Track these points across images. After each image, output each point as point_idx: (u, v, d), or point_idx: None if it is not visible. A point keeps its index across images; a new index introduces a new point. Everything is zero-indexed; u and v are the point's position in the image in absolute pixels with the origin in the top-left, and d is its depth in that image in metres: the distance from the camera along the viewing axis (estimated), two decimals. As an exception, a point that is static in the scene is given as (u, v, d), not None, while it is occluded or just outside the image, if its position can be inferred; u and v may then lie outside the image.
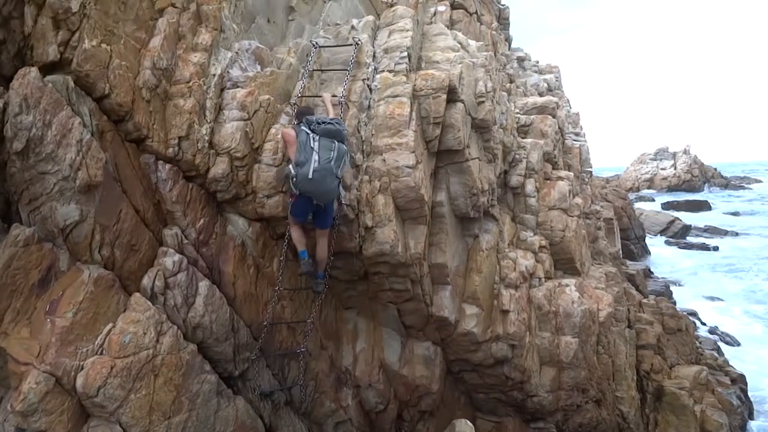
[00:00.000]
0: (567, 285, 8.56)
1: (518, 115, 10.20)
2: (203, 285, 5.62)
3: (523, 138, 9.72)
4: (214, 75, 6.10)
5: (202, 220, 5.85)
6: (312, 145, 5.62)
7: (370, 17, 7.68)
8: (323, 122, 5.79)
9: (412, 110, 6.63)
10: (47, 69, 5.00)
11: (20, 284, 4.69)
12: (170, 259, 5.46)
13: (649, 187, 58.05)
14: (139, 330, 4.98)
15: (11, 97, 4.68)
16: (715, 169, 68.43)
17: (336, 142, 5.68)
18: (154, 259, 5.50)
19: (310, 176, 5.51)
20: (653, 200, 52.04)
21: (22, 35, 5.13)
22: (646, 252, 28.11)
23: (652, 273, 22.46)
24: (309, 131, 5.73)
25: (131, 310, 5.06)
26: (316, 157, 5.56)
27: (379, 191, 6.39)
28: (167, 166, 5.66)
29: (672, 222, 35.91)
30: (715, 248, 31.34)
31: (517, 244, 8.76)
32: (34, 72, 4.76)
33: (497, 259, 8.04)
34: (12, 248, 4.69)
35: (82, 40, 5.08)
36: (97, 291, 4.95)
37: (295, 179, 5.60)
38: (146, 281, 5.31)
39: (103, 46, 5.23)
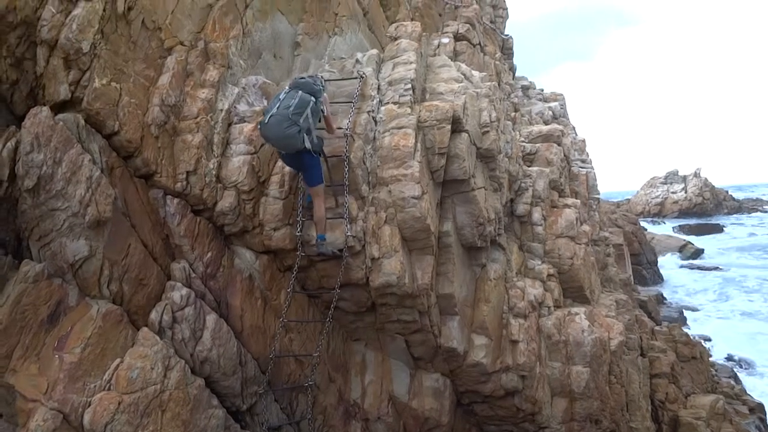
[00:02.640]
0: (577, 313, 8.48)
1: (523, 144, 10.25)
2: (211, 318, 5.63)
3: (528, 166, 9.75)
4: (221, 110, 6.22)
5: (209, 254, 5.90)
6: (280, 96, 5.85)
7: (374, 51, 7.81)
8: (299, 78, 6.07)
9: (416, 141, 6.69)
10: (58, 107, 5.12)
11: (29, 320, 4.71)
12: (178, 293, 5.49)
13: (660, 212, 57.66)
14: (146, 365, 4.98)
15: (23, 135, 4.78)
16: (727, 191, 67.90)
17: (300, 92, 5.81)
18: (162, 293, 5.52)
19: (266, 121, 5.67)
20: (664, 223, 51.73)
21: (34, 75, 5.25)
22: (658, 277, 27.87)
23: (665, 299, 22.23)
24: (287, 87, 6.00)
25: (139, 344, 5.07)
26: (278, 105, 5.73)
27: (385, 222, 6.42)
28: (175, 200, 5.74)
29: (684, 246, 35.63)
30: (728, 270, 31.05)
31: (525, 273, 8.72)
32: (45, 111, 4.87)
33: (505, 289, 8.00)
34: (22, 284, 4.73)
35: (92, 79, 5.20)
36: (105, 326, 4.97)
37: (259, 127, 5.81)
38: (154, 315, 5.33)
39: (113, 84, 5.36)
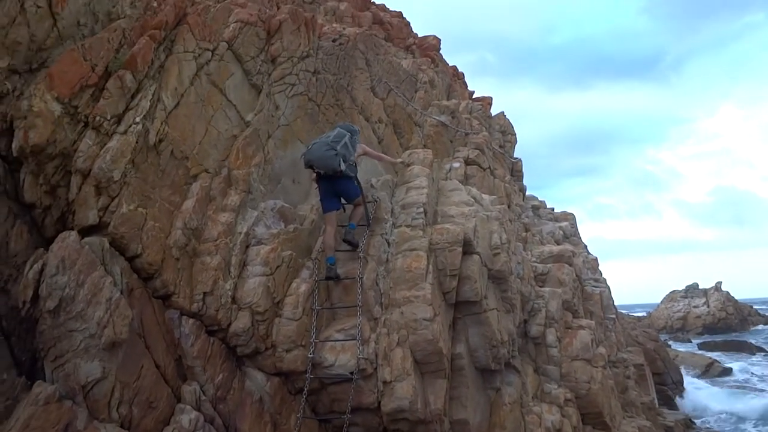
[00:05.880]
0: (597, 442, 8.13)
1: (535, 264, 10.34)
2: (218, 444, 5.52)
3: (540, 287, 9.77)
4: (240, 233, 6.47)
5: (221, 375, 5.89)
6: (322, 135, 7.23)
7: (388, 176, 8.18)
8: None
9: (429, 263, 6.83)
10: (85, 231, 5.40)
11: (37, 445, 4.67)
12: (187, 417, 5.43)
13: (683, 326, 55.98)
14: (149, 494, 4.84)
15: (50, 259, 5.01)
16: (751, 306, 66.09)
17: (338, 128, 7.13)
18: (170, 416, 5.47)
19: (310, 147, 6.94)
20: (690, 341, 50.07)
21: (66, 201, 5.59)
22: (685, 399, 26.57)
23: (694, 424, 21.04)
24: None
25: (143, 472, 4.95)
26: (320, 138, 7.04)
27: (397, 344, 6.40)
28: (190, 321, 5.83)
29: (710, 364, 34.26)
30: (762, 391, 29.56)
31: (542, 397, 8.46)
32: (73, 236, 5.13)
33: (521, 414, 7.75)
34: (32, 407, 4.72)
35: (120, 205, 5.52)
36: (111, 452, 4.89)
37: (302, 156, 7.01)
38: (161, 440, 5.25)
39: (140, 209, 5.66)
